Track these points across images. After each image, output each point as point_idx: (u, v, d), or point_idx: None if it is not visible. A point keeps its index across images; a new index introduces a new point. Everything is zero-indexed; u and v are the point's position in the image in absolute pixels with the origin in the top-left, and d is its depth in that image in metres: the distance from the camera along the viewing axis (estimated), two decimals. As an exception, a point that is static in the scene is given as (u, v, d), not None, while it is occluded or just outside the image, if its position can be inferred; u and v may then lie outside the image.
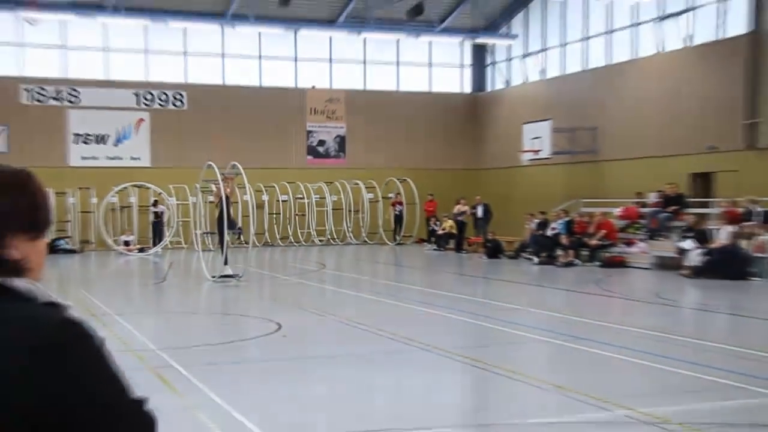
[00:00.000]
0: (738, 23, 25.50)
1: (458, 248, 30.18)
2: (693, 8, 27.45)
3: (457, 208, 31.17)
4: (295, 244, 33.31)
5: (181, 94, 34.01)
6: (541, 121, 30.31)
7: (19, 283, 1.82)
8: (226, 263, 19.58)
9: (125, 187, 31.39)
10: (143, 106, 33.57)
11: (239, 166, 20.43)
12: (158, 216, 31.21)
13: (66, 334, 1.79)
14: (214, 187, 20.93)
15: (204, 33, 34.20)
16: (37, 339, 1.76)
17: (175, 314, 15.70)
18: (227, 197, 19.98)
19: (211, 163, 20.26)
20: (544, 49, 34.52)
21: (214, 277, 19.36)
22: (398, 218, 34.40)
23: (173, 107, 33.92)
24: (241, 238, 22.96)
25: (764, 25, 24.47)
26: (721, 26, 26.40)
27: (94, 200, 31.36)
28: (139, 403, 1.89)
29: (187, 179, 31.62)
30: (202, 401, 8.10)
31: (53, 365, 1.75)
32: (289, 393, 9.06)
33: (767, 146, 24.35)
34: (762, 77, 24.44)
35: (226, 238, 19.93)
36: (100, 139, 33.03)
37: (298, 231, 33.79)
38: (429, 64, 37.88)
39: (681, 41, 27.84)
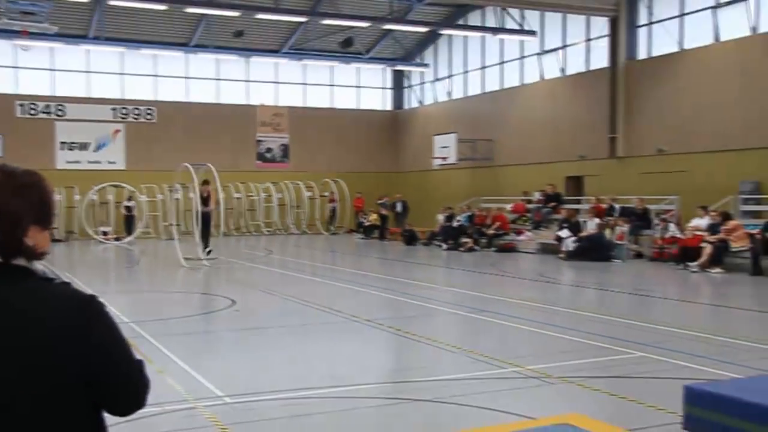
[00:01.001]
0: (601, 58, 26.00)
1: (382, 237, 30.19)
2: (566, 46, 27.92)
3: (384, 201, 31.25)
4: (246, 234, 33.00)
5: (151, 109, 33.47)
6: (448, 133, 30.45)
7: (38, 266, 1.92)
8: (207, 251, 19.59)
9: (103, 187, 30.88)
10: (119, 119, 33.00)
11: (211, 166, 19.94)
12: (130, 210, 30.65)
13: (94, 305, 1.93)
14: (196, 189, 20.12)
15: (171, 59, 33.67)
16: (78, 308, 1.89)
17: (146, 292, 15.35)
18: (206, 198, 19.57)
19: (187, 164, 19.71)
20: (450, 75, 34.72)
21: (188, 259, 18.97)
22: (332, 213, 34.42)
23: (145, 120, 33.34)
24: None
25: (619, 61, 25.01)
26: (588, 60, 26.90)
27: (78, 197, 30.69)
28: (141, 363, 2.02)
29: (157, 180, 31.12)
30: (169, 366, 7.92)
31: (94, 325, 1.91)
32: (243, 358, 8.92)
33: (624, 156, 24.89)
34: (619, 101, 24.99)
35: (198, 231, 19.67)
36: (83, 147, 32.45)
37: (249, 223, 33.57)
38: (358, 86, 37.83)
39: (558, 71, 28.28)
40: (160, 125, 33.31)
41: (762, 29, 21.15)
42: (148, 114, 33.41)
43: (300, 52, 33.86)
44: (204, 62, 34.33)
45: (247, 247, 27.02)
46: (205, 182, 20.04)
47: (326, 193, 34.57)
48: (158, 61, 33.81)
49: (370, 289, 14.78)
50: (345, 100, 37.47)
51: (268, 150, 35.78)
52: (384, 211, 30.94)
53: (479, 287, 15.34)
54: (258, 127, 35.33)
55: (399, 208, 31.06)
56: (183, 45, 32.86)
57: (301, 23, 31.56)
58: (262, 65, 35.42)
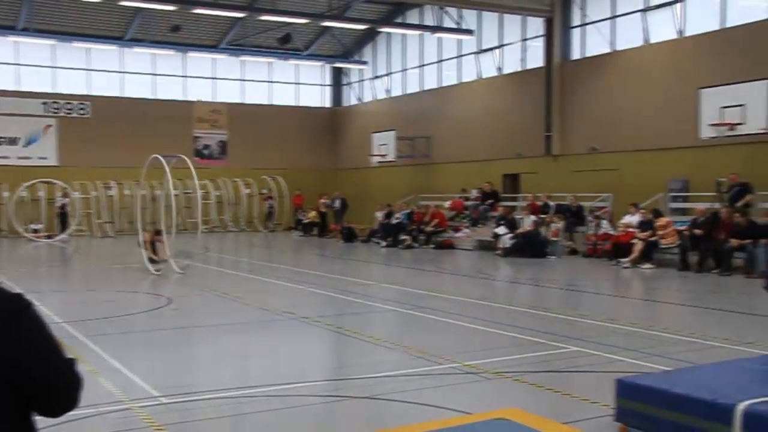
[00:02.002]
0: (537, 58, 26.40)
1: (321, 234, 30.10)
2: (503, 45, 28.27)
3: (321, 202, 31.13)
4: (183, 231, 32.43)
5: (84, 104, 32.64)
6: (387, 131, 30.53)
7: None
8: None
9: (34, 183, 30.00)
10: (51, 114, 32.05)
11: (185, 158, 18.47)
12: (63, 208, 29.87)
13: (19, 303, 1.89)
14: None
15: (105, 52, 32.90)
16: (2, 307, 1.85)
17: (79, 292, 14.98)
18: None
19: (158, 156, 18.00)
20: (389, 73, 34.79)
21: (154, 262, 17.21)
22: (270, 210, 34.22)
23: (78, 115, 32.47)
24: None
25: (553, 61, 25.45)
26: (524, 60, 27.29)
27: (6, 194, 29.80)
28: (72, 361, 1.97)
29: (91, 176, 30.40)
30: (103, 367, 7.73)
31: (20, 324, 1.85)
32: (179, 357, 8.79)
33: (559, 153, 25.33)
34: (554, 100, 25.42)
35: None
36: (12, 142, 31.42)
37: (186, 221, 32.97)
38: (296, 83, 37.61)
39: (495, 70, 28.61)
40: (94, 120, 32.50)
41: (688, 32, 21.77)
42: (81, 109, 32.57)
43: (238, 48, 33.46)
44: (140, 57, 33.61)
45: (184, 244, 26.59)
46: None
47: (264, 190, 34.31)
48: (92, 54, 33.00)
49: (309, 286, 14.71)
50: (284, 97, 37.20)
51: (206, 147, 35.28)
52: (325, 209, 30.82)
53: (418, 284, 15.42)
54: (195, 123, 34.80)
55: (338, 205, 31.02)
56: (118, 39, 32.12)
57: (239, 19, 31.19)
58: (200, 61, 34.87)
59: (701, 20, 21.40)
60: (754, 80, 17.84)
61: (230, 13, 28.36)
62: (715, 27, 21.00)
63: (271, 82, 37.00)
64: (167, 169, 17.61)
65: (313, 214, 31.28)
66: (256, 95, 36.54)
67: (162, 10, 27.56)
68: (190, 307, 12.55)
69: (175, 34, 30.32)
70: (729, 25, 20.70)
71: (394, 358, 8.36)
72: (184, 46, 32.72)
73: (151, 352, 9.01)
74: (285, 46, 31.39)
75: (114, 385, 6.98)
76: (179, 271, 16.43)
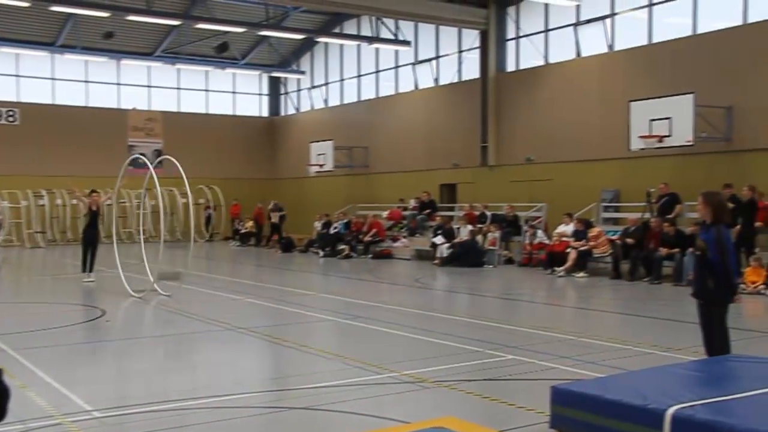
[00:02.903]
0: (473, 69, 26.77)
1: (258, 244, 29.84)
2: (439, 56, 28.58)
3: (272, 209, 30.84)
4: (118, 242, 31.73)
5: (13, 111, 31.71)
6: (324, 140, 30.48)
7: None
8: (88, 270, 17.19)
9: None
10: (-23, 121, 31.08)
11: (175, 161, 17.07)
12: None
13: None
14: (84, 199, 17.79)
15: (35, 58, 32.05)
16: None
17: (8, 303, 14.49)
18: (96, 209, 17.53)
19: (139, 155, 17.13)
20: (326, 83, 34.79)
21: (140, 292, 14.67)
22: (208, 219, 33.81)
23: (6, 122, 31.53)
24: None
25: (489, 73, 25.85)
26: (460, 71, 27.63)
27: (-71, 203, 28.71)
28: None
29: (21, 185, 29.56)
30: (33, 381, 7.51)
31: None
32: (113, 370, 8.59)
33: (495, 164, 25.69)
34: (489, 111, 25.80)
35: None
36: (-64, 149, 30.29)
37: (121, 230, 32.32)
38: (233, 92, 37.32)
39: (432, 81, 28.90)
40: (23, 128, 31.60)
41: (618, 47, 22.38)
42: (10, 116, 31.64)
43: (174, 55, 33.03)
44: (72, 63, 32.86)
45: (120, 255, 26.02)
46: (94, 192, 18.18)
47: (201, 200, 33.85)
48: (21, 60, 32.12)
49: (247, 296, 14.57)
50: (221, 106, 36.86)
51: (141, 155, 34.66)
52: (274, 219, 30.21)
53: (356, 294, 15.41)
54: (130, 131, 34.12)
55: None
56: (48, 44, 31.31)
57: (174, 26, 30.77)
58: (134, 68, 34.26)
59: (630, 35, 22.03)
60: (680, 94, 18.42)
61: (165, 20, 27.95)
62: (644, 42, 21.65)
63: (208, 90, 36.63)
64: (154, 174, 16.26)
65: (250, 223, 31.02)
66: (193, 104, 36.12)
67: (94, 16, 26.98)
68: (124, 319, 12.28)
69: (108, 41, 29.74)
70: (656, 40, 21.37)
71: (333, 368, 8.34)
72: (117, 53, 32.14)
73: (84, 365, 8.79)
74: (222, 54, 31.12)
75: (44, 400, 6.78)
76: (165, 294, 14.55)
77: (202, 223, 33.85)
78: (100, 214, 18.04)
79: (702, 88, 18.58)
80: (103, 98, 33.92)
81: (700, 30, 20.31)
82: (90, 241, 17.48)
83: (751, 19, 19.25)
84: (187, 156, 35.07)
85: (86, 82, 33.66)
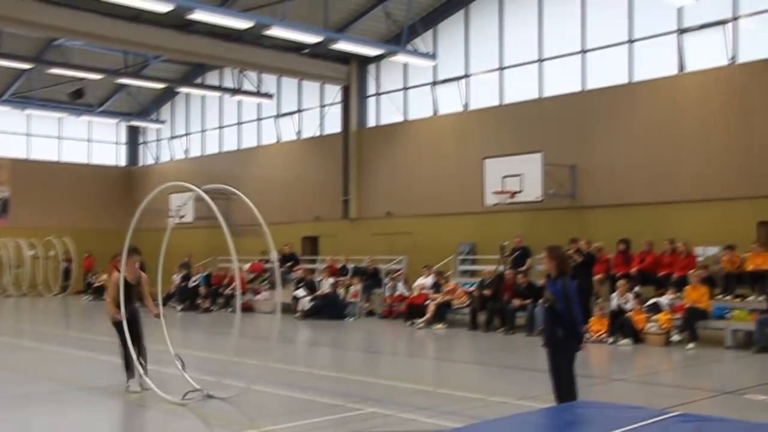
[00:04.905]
0: (335, 124, 27.20)
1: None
2: (301, 110, 28.86)
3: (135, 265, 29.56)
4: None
5: None
6: (185, 192, 29.85)
7: None
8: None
9: None
10: None
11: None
12: None
13: None
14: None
15: None
16: None
17: None
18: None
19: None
20: (187, 134, 34.26)
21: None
22: (66, 272, 31.98)
23: None
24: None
25: (350, 128, 26.37)
26: (322, 126, 28.00)
27: None
28: None
29: None
30: None
31: None
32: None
33: (356, 217, 26.02)
34: (351, 166, 26.22)
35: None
36: None
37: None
38: (88, 140, 36.00)
39: (294, 134, 29.07)
40: None
41: (473, 106, 23.43)
42: None
43: (24, 100, 31.53)
44: None
45: None
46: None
47: (52, 252, 32.10)
48: None
49: (99, 354, 13.87)
50: (75, 154, 35.41)
51: (-15, 205, 32.62)
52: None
53: (215, 349, 15.02)
54: (-28, 179, 32.13)
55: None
56: None
57: (25, 70, 29.42)
58: (-20, 113, 32.49)
59: (484, 95, 23.13)
60: (530, 153, 19.45)
61: (15, 63, 26.65)
62: (496, 103, 22.78)
63: (61, 138, 35.15)
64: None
65: (104, 277, 29.68)
66: (44, 151, 34.52)
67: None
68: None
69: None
70: (507, 101, 22.54)
71: (190, 426, 8.06)
72: (-39, 96, 30.36)
73: None
74: (77, 101, 30.03)
75: None
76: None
77: (58, 277, 32.06)
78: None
79: (549, 148, 19.72)
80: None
81: (546, 94, 21.64)
82: None
83: (589, 87, 20.72)
84: (37, 205, 33.59)
85: (-76, 126, 31.54)
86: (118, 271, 10.40)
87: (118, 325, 10.01)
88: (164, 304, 25.50)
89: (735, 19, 18.18)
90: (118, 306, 9.92)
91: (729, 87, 18.19)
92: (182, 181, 33.09)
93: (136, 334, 10.19)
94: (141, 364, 9.88)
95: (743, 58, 18.08)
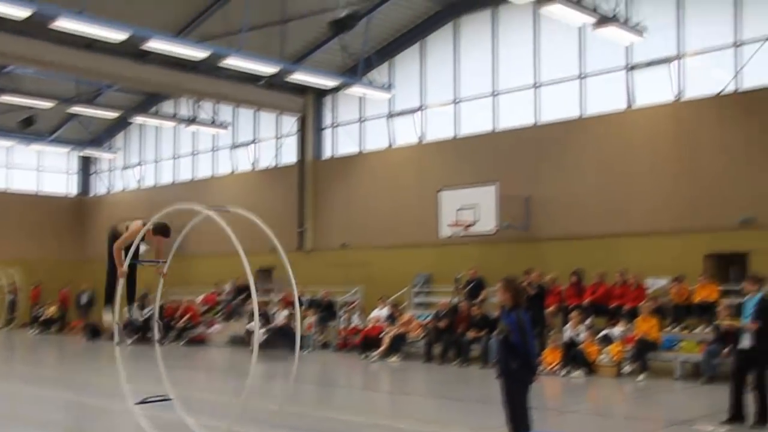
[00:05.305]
0: (291, 155, 27.18)
1: (62, 330, 27.92)
2: (257, 141, 28.80)
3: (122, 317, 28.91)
4: None
5: None
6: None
7: None
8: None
9: None
10: None
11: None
12: None
13: None
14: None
15: None
16: None
17: None
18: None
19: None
20: (141, 163, 33.87)
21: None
22: (12, 305, 30.98)
23: None
24: None
25: (306, 159, 26.36)
26: (278, 156, 27.94)
27: None
28: None
29: None
30: None
31: None
32: None
33: (312, 249, 25.93)
34: (307, 197, 26.17)
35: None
36: None
37: None
38: (38, 169, 35.35)
39: (250, 165, 28.94)
40: None
41: (428, 138, 23.63)
42: None
43: (-29, 128, 30.90)
44: None
45: None
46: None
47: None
48: None
49: (42, 389, 13.49)
50: (24, 183, 34.71)
51: (-72, 234, 31.69)
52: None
53: (163, 383, 14.69)
54: None
55: (84, 299, 29.02)
56: None
57: (-26, 98, 28.83)
58: (-75, 140, 31.70)
59: (439, 128, 23.37)
60: (484, 184, 19.65)
61: (-38, 91, 26.11)
62: (451, 135, 23.02)
63: (10, 167, 34.46)
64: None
65: (52, 309, 29.02)
66: (-8, 180, 33.82)
67: None
68: None
69: None
70: (462, 134, 22.80)
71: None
72: None
73: None
74: (27, 129, 29.49)
75: None
76: None
77: (3, 309, 31.13)
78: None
79: (504, 180, 19.94)
80: None
81: (501, 126, 21.94)
82: None
83: (543, 120, 21.09)
84: (-17, 236, 32.75)
85: None
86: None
87: (112, 264, 9.52)
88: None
89: (680, 57, 18.74)
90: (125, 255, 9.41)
91: (676, 123, 18.68)
92: (136, 211, 32.67)
93: (132, 287, 9.97)
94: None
95: (689, 94, 18.62)
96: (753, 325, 9.56)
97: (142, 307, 24.94)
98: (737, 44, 17.89)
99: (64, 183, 36.42)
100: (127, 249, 9.43)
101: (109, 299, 9.52)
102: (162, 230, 9.76)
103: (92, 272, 33.63)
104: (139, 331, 23.92)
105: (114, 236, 9.58)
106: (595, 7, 17.79)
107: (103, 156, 35.62)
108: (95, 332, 25.57)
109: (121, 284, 9.26)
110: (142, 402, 8.91)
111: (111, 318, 9.29)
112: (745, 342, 9.70)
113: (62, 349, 23.16)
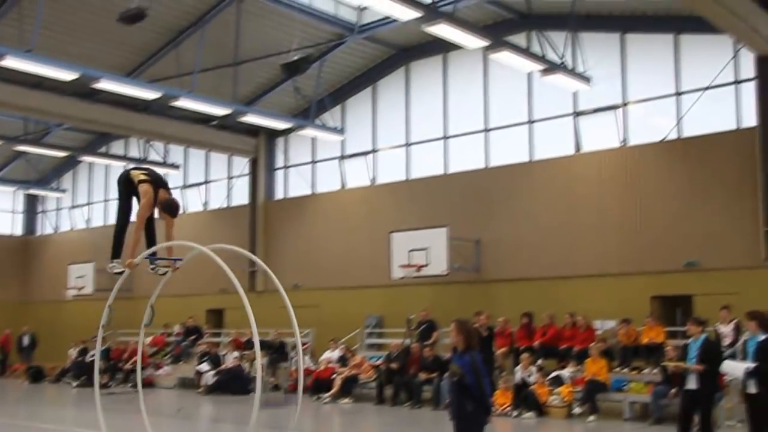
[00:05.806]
0: (242, 196, 27.04)
1: (2, 373, 26.99)
2: (209, 181, 28.60)
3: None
4: None
5: None
6: (85, 262, 28.80)
7: None
8: None
9: None
10: None
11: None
12: None
13: None
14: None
15: None
16: None
17: None
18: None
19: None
20: (89, 203, 33.27)
21: None
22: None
23: None
24: None
25: (258, 200, 26.25)
26: (230, 197, 27.76)
27: None
28: None
29: None
30: None
31: None
32: None
33: (263, 290, 25.63)
34: (258, 238, 25.97)
35: None
36: None
37: None
38: (-18, 208, 34.51)
39: (201, 205, 28.67)
40: None
41: (380, 181, 23.75)
42: None
43: None
44: None
45: None
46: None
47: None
48: None
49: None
50: (-34, 222, 33.83)
51: None
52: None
53: (113, 427, 14.27)
54: None
55: (26, 341, 28.15)
56: None
57: None
58: None
59: (391, 170, 23.53)
60: (435, 227, 19.77)
61: None
62: (403, 177, 23.18)
63: (-48, 205, 33.57)
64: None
65: (-7, 352, 28.08)
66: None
67: None
68: None
69: None
70: (414, 176, 22.98)
71: None
72: None
73: None
74: (-28, 168, 28.82)
75: None
76: None
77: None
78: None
79: (455, 222, 20.11)
80: None
81: (451, 170, 22.18)
82: None
83: (492, 164, 21.39)
84: None
85: None
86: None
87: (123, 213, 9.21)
88: (59, 380, 24.42)
89: (625, 104, 19.28)
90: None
91: (622, 167, 19.13)
92: (83, 251, 31.89)
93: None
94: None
95: (633, 141, 19.12)
96: (698, 367, 9.72)
97: (84, 352, 24.34)
98: (678, 93, 18.50)
99: (9, 222, 35.53)
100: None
101: (116, 254, 9.22)
102: (169, 207, 9.13)
103: (35, 313, 32.77)
104: (84, 375, 23.25)
105: (127, 180, 9.02)
106: (543, 54, 18.26)
107: (50, 195, 34.93)
108: (38, 375, 24.80)
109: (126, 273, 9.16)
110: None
111: (118, 267, 8.98)
112: (691, 383, 9.84)
113: (3, 392, 22.35)
